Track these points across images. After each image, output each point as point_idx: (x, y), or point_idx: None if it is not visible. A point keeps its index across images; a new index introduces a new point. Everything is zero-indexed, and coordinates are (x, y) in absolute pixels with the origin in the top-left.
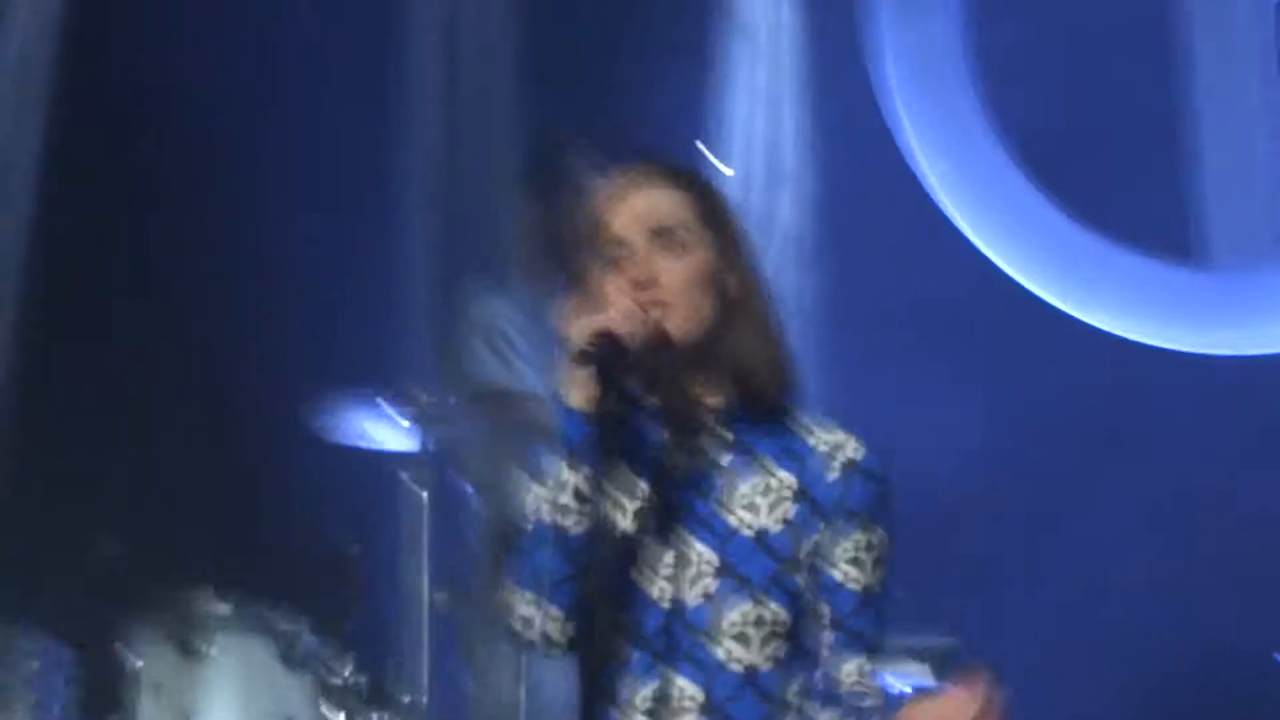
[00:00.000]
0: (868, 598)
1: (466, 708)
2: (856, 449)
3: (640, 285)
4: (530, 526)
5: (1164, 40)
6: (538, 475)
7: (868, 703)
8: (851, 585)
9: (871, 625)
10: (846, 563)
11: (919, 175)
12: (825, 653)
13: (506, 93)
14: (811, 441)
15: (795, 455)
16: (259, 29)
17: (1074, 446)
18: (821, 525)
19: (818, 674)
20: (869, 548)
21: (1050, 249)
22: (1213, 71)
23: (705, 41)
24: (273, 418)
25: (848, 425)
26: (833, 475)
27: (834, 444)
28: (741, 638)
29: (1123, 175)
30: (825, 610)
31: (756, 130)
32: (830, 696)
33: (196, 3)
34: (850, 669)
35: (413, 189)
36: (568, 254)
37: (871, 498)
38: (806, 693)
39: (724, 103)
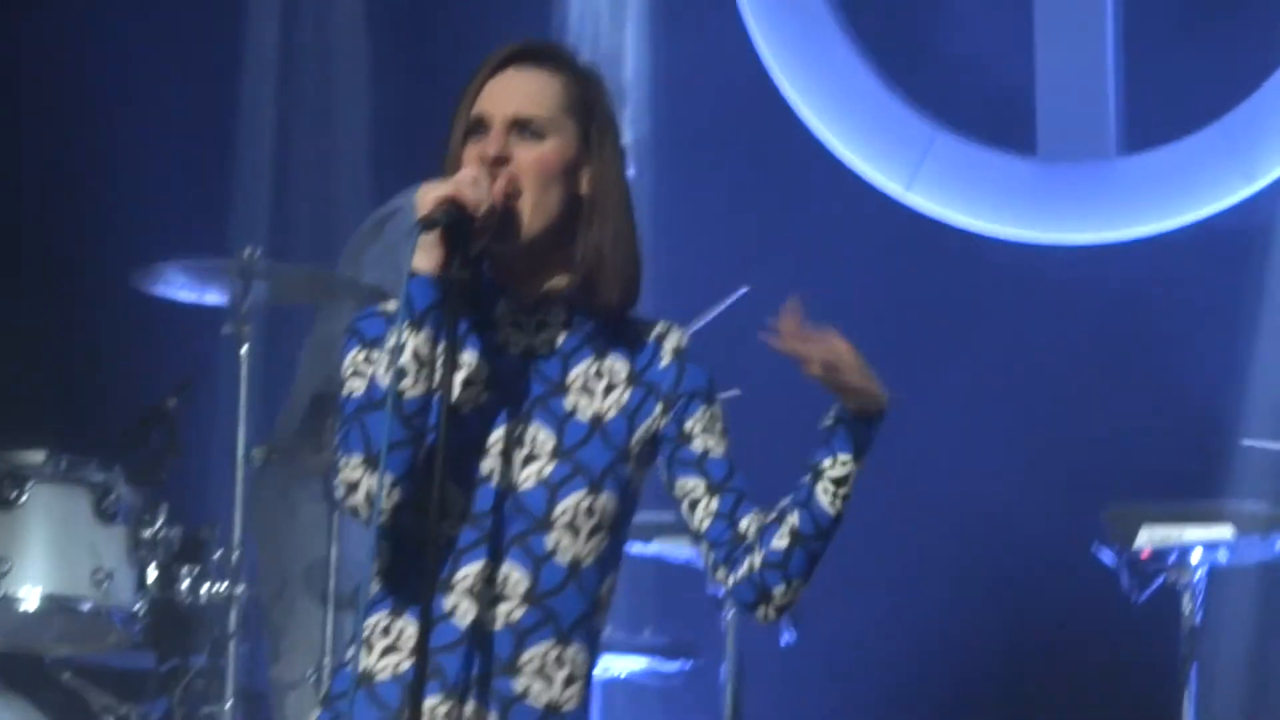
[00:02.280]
0: (732, 463)
1: (277, 564)
2: (682, 337)
3: (491, 162)
4: (364, 388)
5: None
6: (378, 344)
7: (784, 535)
8: (715, 453)
9: (745, 484)
10: (701, 433)
11: (767, 70)
12: (710, 521)
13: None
14: (639, 331)
15: (626, 343)
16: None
17: (910, 332)
18: (658, 408)
19: (702, 548)
20: (715, 419)
21: (887, 133)
22: None
23: None
24: (95, 273)
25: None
26: (664, 361)
27: (660, 334)
28: (571, 527)
29: (968, 64)
30: (697, 483)
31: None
32: (741, 551)
33: None
34: (748, 521)
35: (254, 60)
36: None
37: (703, 377)
38: (613, 590)
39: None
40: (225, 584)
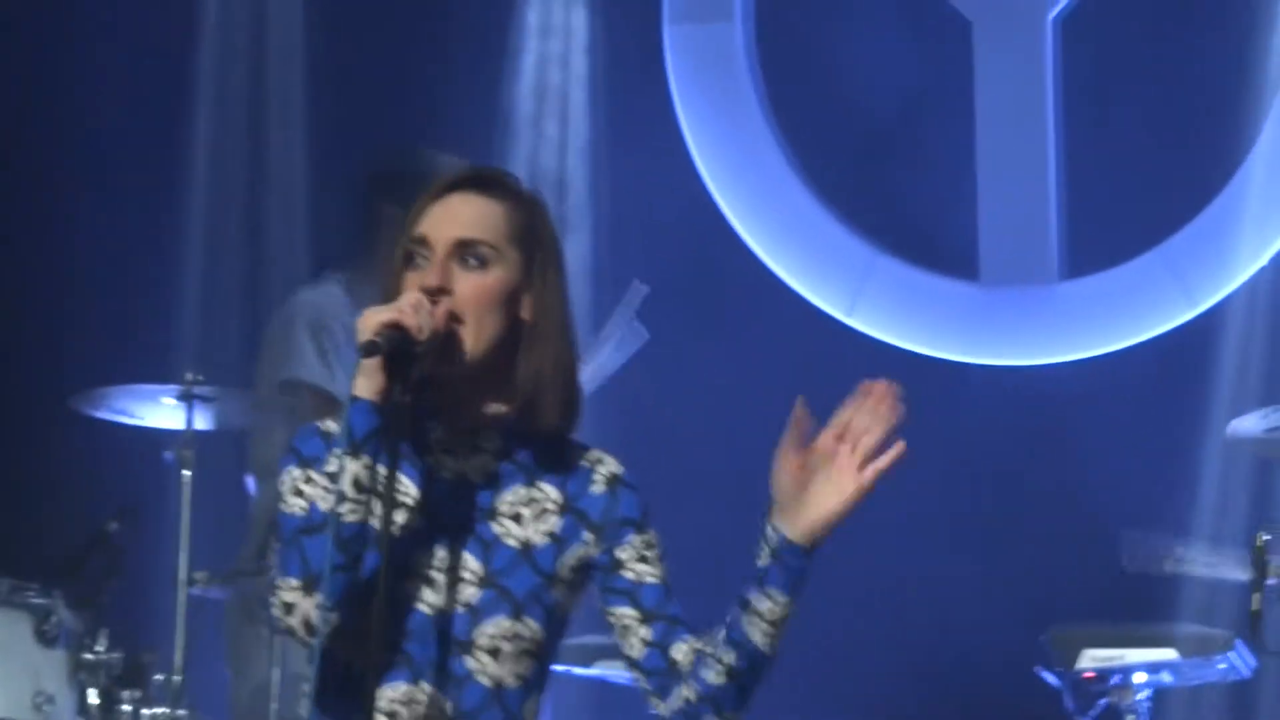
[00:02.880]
0: (667, 588)
1: (222, 688)
2: (617, 465)
3: (432, 292)
4: (304, 514)
5: (955, 60)
6: (317, 464)
7: (717, 670)
8: (650, 580)
9: (680, 611)
10: (636, 562)
11: (705, 184)
12: (644, 650)
13: (300, 91)
14: (573, 458)
15: (559, 470)
16: (52, 27)
17: None
18: (589, 535)
19: (636, 675)
20: (649, 546)
21: (828, 257)
22: (994, 90)
23: (499, 43)
24: (40, 395)
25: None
26: (597, 489)
27: (595, 460)
28: (495, 651)
29: (910, 191)
30: (630, 612)
31: (546, 132)
32: (674, 681)
33: None
34: (683, 649)
35: (197, 186)
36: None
37: (637, 505)
38: (537, 713)
39: (514, 103)
40: (167, 708)
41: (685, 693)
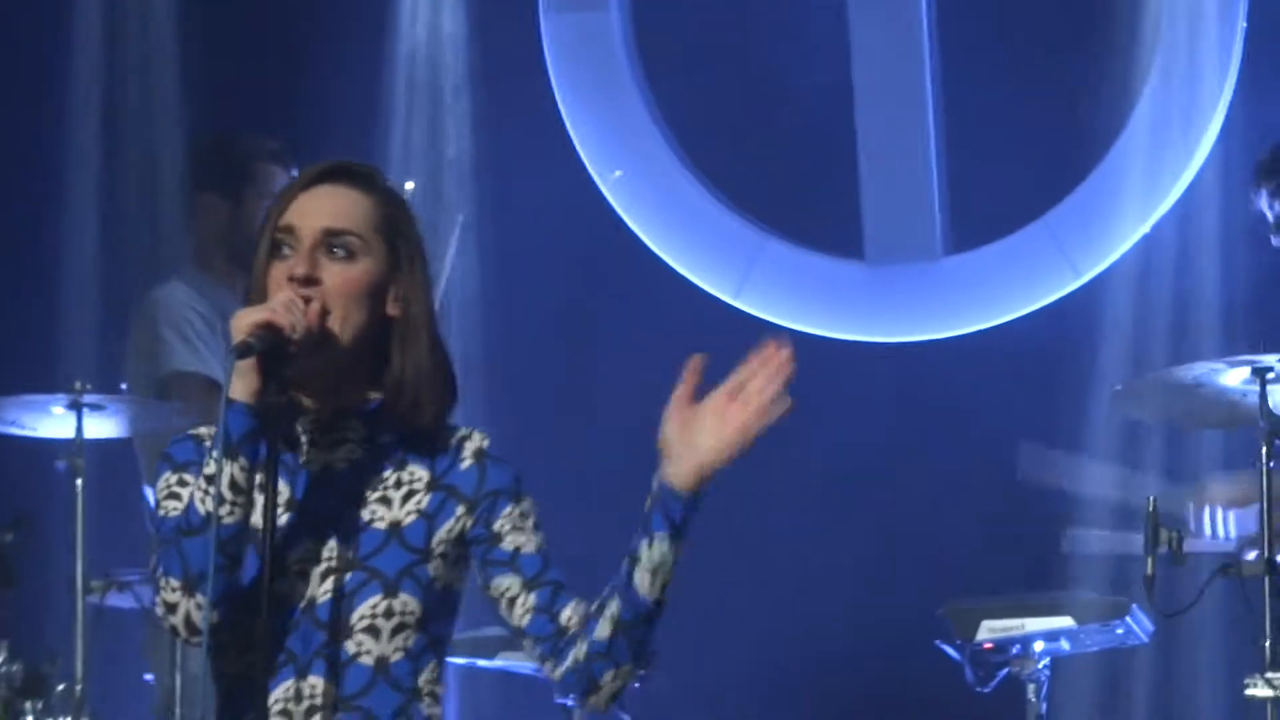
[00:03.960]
0: (546, 555)
1: (121, 695)
2: (482, 439)
3: (300, 282)
4: (181, 515)
5: (832, 37)
6: (190, 468)
7: (605, 622)
8: (527, 549)
9: (562, 575)
10: (511, 531)
11: (588, 172)
12: (530, 616)
13: (172, 93)
14: (440, 437)
15: (426, 451)
16: None
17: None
18: (460, 509)
19: (525, 643)
20: (524, 516)
21: (714, 241)
22: (871, 67)
23: (374, 32)
24: None
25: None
26: (465, 464)
27: (460, 437)
28: (371, 630)
29: (792, 172)
30: (512, 581)
31: (423, 125)
32: (565, 642)
33: None
34: (569, 612)
35: (73, 187)
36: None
37: (507, 475)
38: (438, 679)
39: (390, 94)
40: (69, 718)
41: (577, 652)
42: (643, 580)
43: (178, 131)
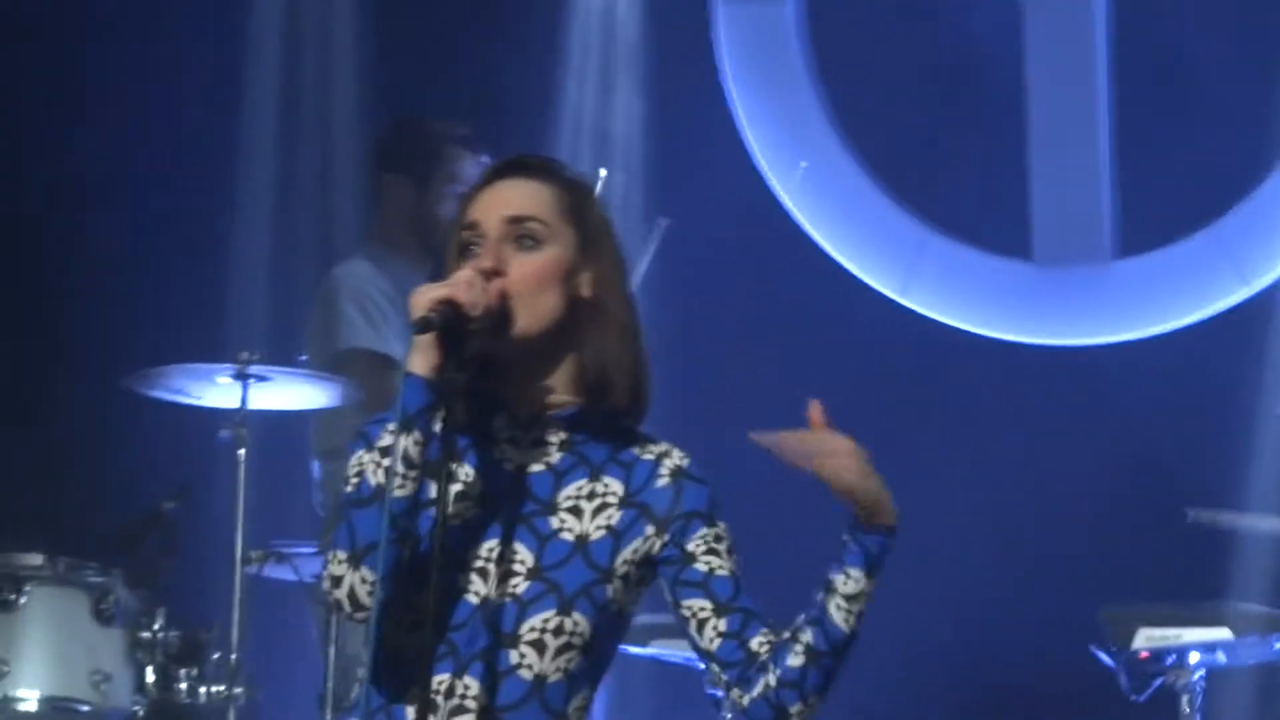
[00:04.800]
0: (739, 581)
1: (276, 666)
2: (682, 457)
3: (486, 273)
4: (354, 487)
5: (1006, 38)
6: (369, 437)
7: (797, 651)
8: (720, 572)
9: (754, 603)
10: (705, 554)
11: (757, 164)
12: (720, 641)
13: (349, 73)
14: (638, 451)
15: (623, 463)
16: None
17: (908, 433)
18: (650, 529)
19: (712, 667)
20: (718, 539)
21: (881, 236)
22: (1046, 67)
23: (549, 23)
24: (95, 376)
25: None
26: (662, 482)
27: (660, 453)
28: (537, 645)
29: (962, 170)
30: (704, 604)
31: (587, 115)
32: (754, 670)
33: None
34: (759, 640)
35: (248, 161)
36: (438, 238)
37: (704, 497)
38: (585, 708)
39: (563, 83)
40: (223, 686)
41: (767, 679)
42: (838, 610)
43: (353, 109)
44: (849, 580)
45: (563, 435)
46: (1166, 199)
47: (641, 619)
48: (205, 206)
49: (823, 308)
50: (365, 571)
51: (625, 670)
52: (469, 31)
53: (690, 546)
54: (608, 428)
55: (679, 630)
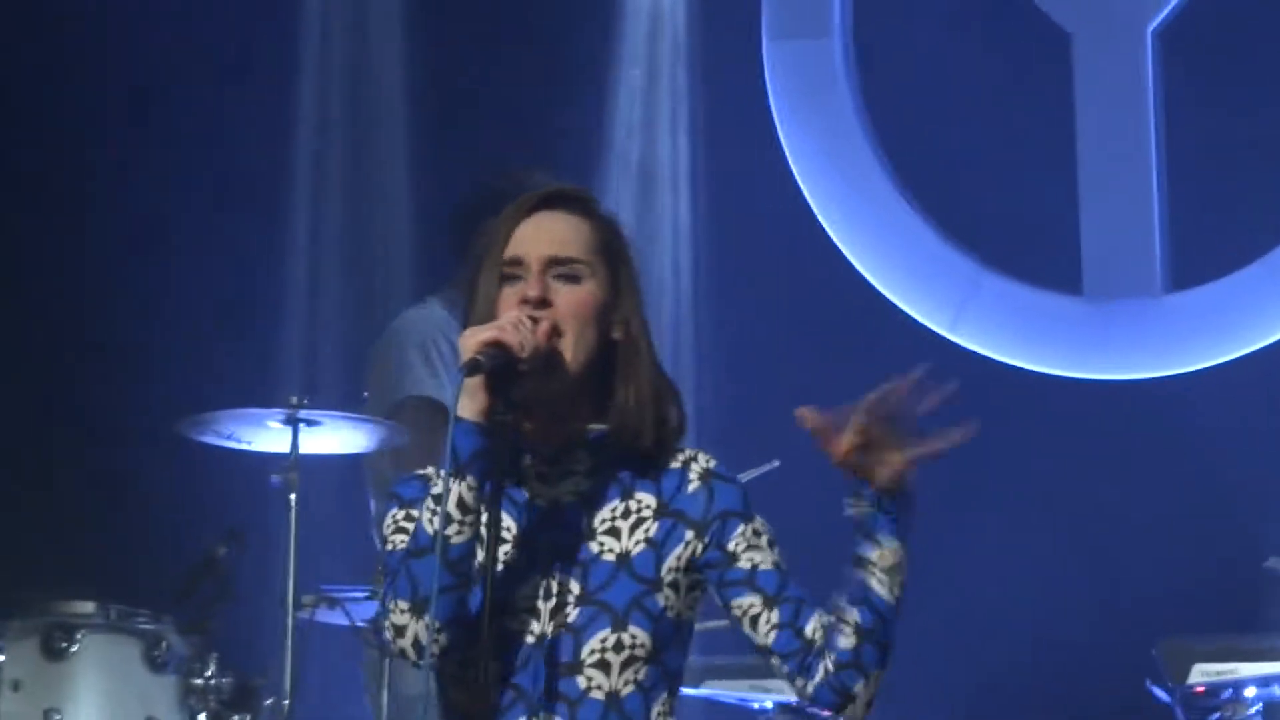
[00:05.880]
0: (784, 572)
1: (328, 711)
2: (708, 459)
3: (532, 304)
4: (411, 538)
5: (1055, 73)
6: (417, 506)
7: (847, 633)
8: (765, 566)
9: (802, 590)
10: (746, 551)
11: (806, 200)
12: (775, 633)
13: (402, 115)
14: (666, 461)
15: (652, 476)
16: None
17: (959, 469)
18: (689, 534)
19: (773, 661)
20: (757, 534)
21: (930, 272)
22: (1093, 105)
23: (601, 63)
24: (146, 420)
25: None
26: (692, 486)
27: (686, 459)
28: (602, 664)
29: (1011, 205)
30: (753, 599)
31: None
32: (813, 657)
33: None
34: (814, 625)
35: (300, 209)
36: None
37: (736, 495)
38: (670, 711)
39: (614, 120)
40: None
41: (826, 665)
42: (881, 585)
43: (404, 157)
44: (884, 552)
45: (590, 461)
46: (1217, 232)
47: (695, 659)
48: (255, 251)
49: (873, 344)
50: (428, 618)
51: (679, 711)
52: (519, 70)
53: (731, 546)
54: (640, 452)
55: (737, 634)
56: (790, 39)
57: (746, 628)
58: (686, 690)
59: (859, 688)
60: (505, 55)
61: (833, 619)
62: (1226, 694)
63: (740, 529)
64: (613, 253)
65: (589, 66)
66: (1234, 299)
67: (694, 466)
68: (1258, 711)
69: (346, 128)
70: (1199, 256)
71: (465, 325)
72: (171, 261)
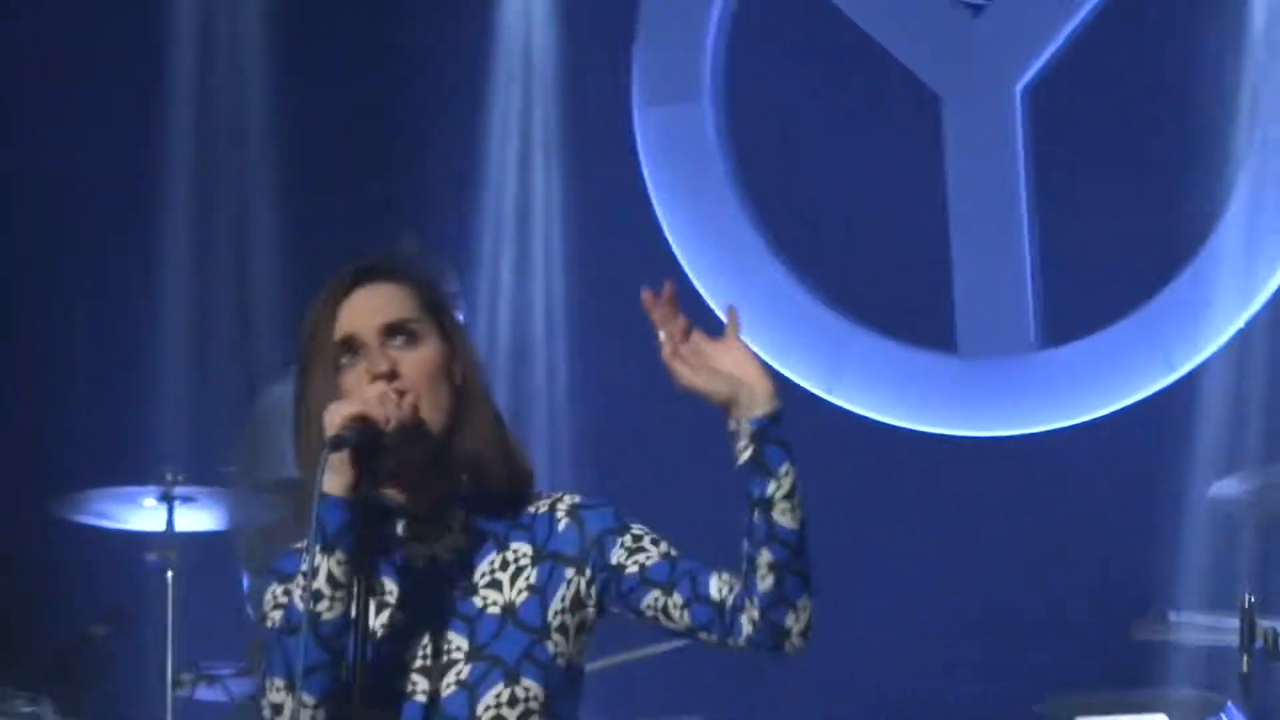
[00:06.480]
0: (674, 558)
1: None
2: (572, 496)
3: (381, 378)
4: (282, 615)
5: (926, 134)
6: (279, 572)
7: (763, 574)
8: (652, 561)
9: (695, 561)
10: (631, 557)
11: (680, 264)
12: (686, 613)
13: (275, 184)
14: (533, 509)
15: (523, 525)
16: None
17: (837, 528)
18: (569, 571)
19: (699, 638)
20: (636, 539)
21: (807, 336)
22: (963, 164)
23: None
24: (21, 500)
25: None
26: (563, 524)
27: (552, 501)
28: None
29: (885, 265)
30: (654, 594)
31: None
32: (730, 613)
33: None
34: (716, 585)
35: (171, 285)
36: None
37: (607, 515)
38: None
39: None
40: None
41: (750, 614)
42: (783, 515)
43: (272, 226)
44: (780, 480)
45: (461, 516)
46: (1089, 287)
47: None
48: (124, 321)
49: None
50: (305, 696)
51: None
52: (389, 141)
53: (615, 561)
54: (501, 498)
55: (659, 636)
56: (660, 105)
57: (663, 623)
58: None
59: (790, 621)
60: (375, 128)
61: (745, 570)
62: None
63: (618, 542)
64: (437, 308)
65: (459, 135)
66: (1107, 354)
67: (560, 506)
68: None
69: (217, 193)
70: (1072, 312)
71: (298, 412)
72: (45, 336)
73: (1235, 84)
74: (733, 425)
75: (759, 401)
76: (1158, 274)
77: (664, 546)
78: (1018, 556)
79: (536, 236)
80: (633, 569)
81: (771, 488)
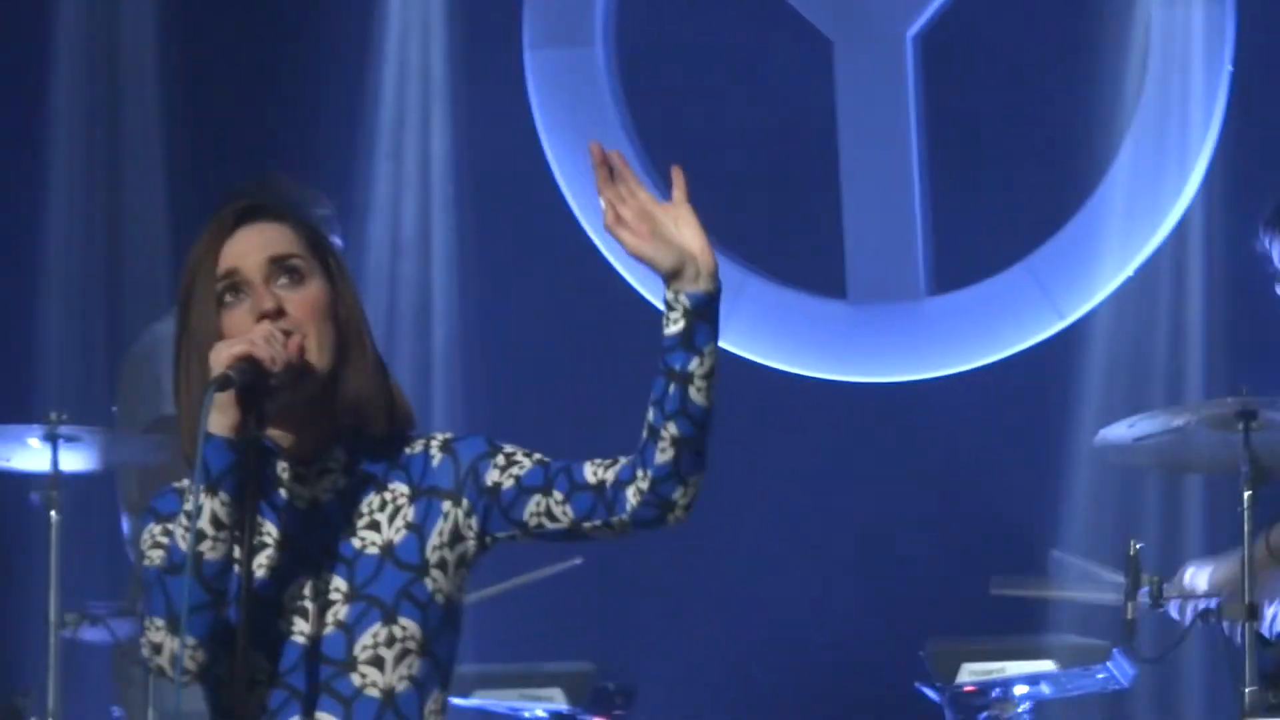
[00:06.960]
0: (543, 461)
1: None
2: (444, 434)
3: (267, 316)
4: (163, 555)
5: (817, 79)
6: (174, 520)
7: (664, 446)
8: (525, 469)
9: (564, 461)
10: (504, 473)
11: (570, 208)
12: (569, 507)
13: (157, 119)
14: (409, 450)
15: (401, 465)
16: None
17: (726, 472)
18: (446, 504)
19: (586, 529)
20: (509, 456)
21: None
22: (854, 110)
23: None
24: None
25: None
26: (436, 460)
27: (426, 441)
28: (375, 660)
29: (775, 210)
30: (534, 500)
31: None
32: (611, 491)
33: None
34: (590, 470)
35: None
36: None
37: (478, 443)
38: (441, 710)
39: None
40: None
41: (637, 485)
42: (698, 391)
43: (158, 161)
44: (703, 357)
45: (343, 458)
46: (979, 234)
47: (466, 668)
48: (8, 261)
49: (635, 346)
50: (186, 636)
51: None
52: (272, 73)
53: (490, 482)
54: (382, 440)
55: (560, 541)
56: (551, 47)
57: (549, 526)
58: (457, 701)
59: (678, 495)
60: (261, 66)
61: (645, 439)
62: (995, 693)
63: (491, 464)
64: (320, 246)
65: (347, 73)
66: (996, 301)
67: (433, 443)
68: (1027, 710)
69: (99, 131)
70: (961, 259)
71: (179, 350)
72: None
73: (1126, 32)
74: (670, 296)
75: (701, 278)
76: (1047, 222)
77: (536, 456)
78: (905, 502)
79: (434, 180)
80: (509, 483)
81: (694, 364)
